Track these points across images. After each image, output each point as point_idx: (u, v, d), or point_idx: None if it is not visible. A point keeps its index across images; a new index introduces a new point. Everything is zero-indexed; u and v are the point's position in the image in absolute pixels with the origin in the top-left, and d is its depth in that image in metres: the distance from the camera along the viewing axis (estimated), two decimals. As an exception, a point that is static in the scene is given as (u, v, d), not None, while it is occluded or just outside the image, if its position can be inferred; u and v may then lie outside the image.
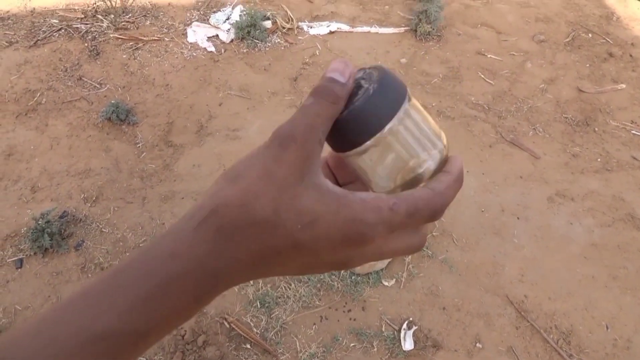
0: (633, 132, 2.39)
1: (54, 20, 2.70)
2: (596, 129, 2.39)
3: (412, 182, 0.34)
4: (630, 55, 2.77)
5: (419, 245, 0.34)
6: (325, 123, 0.32)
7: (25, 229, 1.84)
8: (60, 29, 2.66)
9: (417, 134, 0.33)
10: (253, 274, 0.31)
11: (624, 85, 2.60)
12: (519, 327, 1.73)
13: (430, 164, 0.34)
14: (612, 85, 2.60)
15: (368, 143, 0.33)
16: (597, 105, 2.50)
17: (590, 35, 2.87)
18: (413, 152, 0.34)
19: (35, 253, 1.79)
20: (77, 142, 2.19)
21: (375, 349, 1.64)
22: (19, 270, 1.77)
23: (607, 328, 1.75)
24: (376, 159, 0.33)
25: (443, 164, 0.35)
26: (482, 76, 2.59)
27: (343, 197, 0.30)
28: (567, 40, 2.83)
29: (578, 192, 2.12)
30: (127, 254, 1.83)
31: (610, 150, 2.30)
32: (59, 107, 2.32)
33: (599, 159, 2.26)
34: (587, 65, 2.70)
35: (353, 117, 0.33)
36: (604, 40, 2.84)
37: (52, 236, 1.78)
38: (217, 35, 2.71)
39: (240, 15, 2.77)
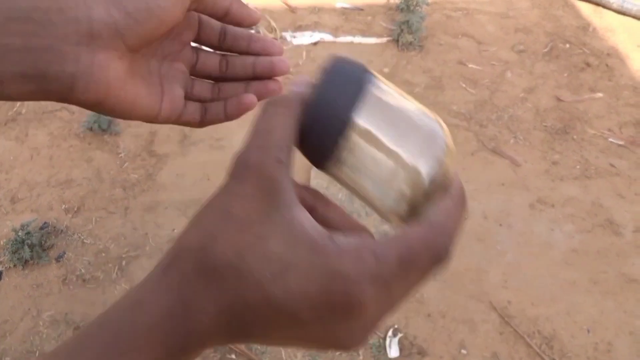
0: (610, 139, 2.45)
1: (35, 30, 2.68)
2: (575, 136, 2.44)
3: (422, 197, 0.27)
4: (607, 65, 2.84)
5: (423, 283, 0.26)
6: (280, 136, 0.27)
7: (4, 240, 1.81)
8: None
9: (396, 124, 0.26)
10: (229, 335, 0.26)
11: (601, 94, 2.67)
12: (503, 333, 1.75)
13: (428, 165, 0.26)
14: (589, 94, 2.66)
15: (347, 144, 0.26)
16: (576, 113, 2.55)
17: (567, 45, 2.94)
18: (399, 149, 0.26)
19: (15, 265, 1.76)
20: (58, 152, 2.16)
21: (361, 357, 1.64)
22: (-2, 282, 1.73)
23: (588, 332, 1.78)
24: (358, 168, 0.26)
25: (447, 169, 0.27)
26: (464, 85, 2.63)
27: (319, 240, 0.25)
28: (546, 50, 2.89)
29: (558, 199, 2.15)
30: (110, 265, 1.81)
31: (588, 158, 2.34)
32: (40, 117, 2.29)
33: (578, 166, 2.30)
34: (565, 74, 2.76)
35: (308, 119, 0.27)
36: (581, 51, 2.91)
37: (32, 248, 1.75)
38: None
39: (223, 25, 2.77)
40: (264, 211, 0.25)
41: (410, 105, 0.27)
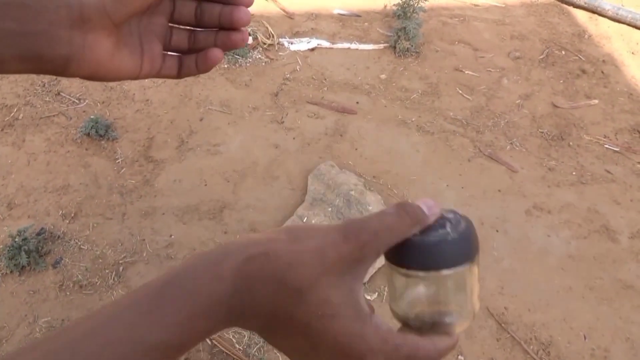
0: (606, 146, 2.46)
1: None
2: (571, 143, 2.45)
3: (425, 323, 0.36)
4: (602, 72, 2.86)
5: None
6: (392, 238, 0.33)
7: (1, 247, 1.80)
8: (38, 44, 2.64)
9: (461, 291, 0.35)
10: (260, 323, 0.32)
11: (596, 101, 2.68)
12: (500, 339, 1.75)
13: (454, 321, 0.36)
14: (585, 101, 2.68)
15: (420, 274, 0.34)
16: (572, 120, 2.57)
17: (563, 52, 2.96)
18: (448, 302, 0.35)
19: (11, 271, 1.75)
20: (55, 157, 2.16)
21: (359, 364, 1.64)
22: (-6, 289, 1.73)
23: (585, 338, 1.78)
24: (413, 287, 0.35)
25: (457, 328, 0.37)
26: (460, 92, 2.64)
27: (364, 314, 0.32)
28: (542, 57, 2.91)
29: (555, 205, 2.16)
30: (107, 271, 1.80)
31: (584, 164, 2.36)
32: (37, 123, 2.29)
33: (574, 173, 2.31)
34: (561, 81, 2.78)
35: (424, 246, 0.34)
36: (577, 57, 2.93)
37: (29, 254, 1.74)
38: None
39: (221, 31, 2.78)
40: (344, 270, 0.32)
41: (476, 288, 0.38)
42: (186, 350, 0.32)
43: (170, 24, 0.45)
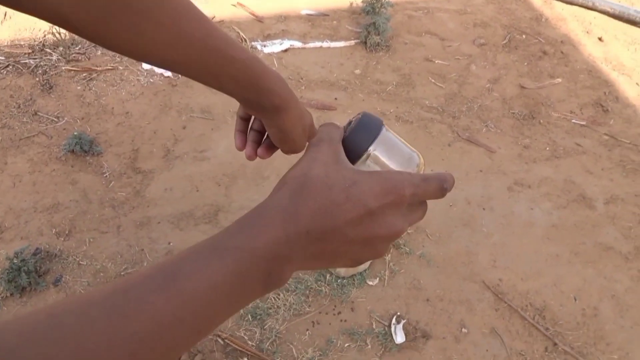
0: (573, 121, 2.60)
1: (0, 57, 2.63)
2: (541, 121, 2.58)
3: None
4: (562, 52, 3.02)
5: (423, 214, 0.44)
6: (339, 134, 0.46)
7: (-2, 270, 1.78)
8: (7, 66, 2.59)
9: (394, 151, 0.47)
10: (313, 237, 0.38)
11: (560, 80, 2.83)
12: (498, 309, 1.84)
13: (419, 162, 0.48)
14: (549, 80, 2.82)
15: (372, 146, 0.46)
16: (539, 99, 2.70)
17: (524, 36, 3.10)
18: (394, 165, 0.47)
19: (12, 294, 1.73)
20: (41, 177, 2.13)
21: (369, 346, 1.70)
22: (-4, 313, 1.70)
23: (575, 300, 1.89)
24: (375, 159, 0.47)
25: (422, 167, 0.49)
26: (433, 81, 2.74)
27: (370, 170, 0.43)
28: (504, 42, 3.04)
29: (533, 180, 2.28)
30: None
31: (556, 139, 2.49)
32: (17, 145, 2.25)
33: (547, 148, 2.44)
34: (525, 63, 2.91)
35: (359, 130, 0.47)
36: (537, 40, 3.08)
37: (28, 274, 1.72)
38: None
39: (193, 39, 2.79)
40: (335, 159, 0.42)
41: (402, 143, 0.48)
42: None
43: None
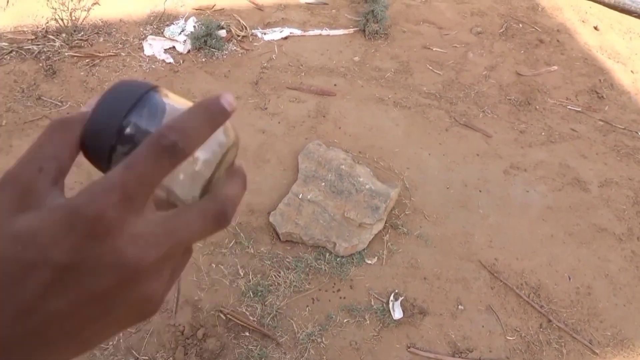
0: (569, 107, 2.64)
1: (3, 43, 2.66)
2: (537, 107, 2.62)
3: (206, 187, 0.29)
4: (558, 41, 3.05)
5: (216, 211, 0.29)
6: (50, 150, 0.30)
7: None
8: (11, 52, 2.62)
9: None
10: None
11: (556, 67, 2.87)
12: (494, 287, 1.89)
13: (204, 156, 0.29)
14: (545, 68, 2.86)
15: (114, 152, 0.28)
16: (535, 86, 2.74)
17: (520, 25, 3.14)
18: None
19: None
20: (45, 160, 2.17)
21: (368, 322, 1.74)
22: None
23: (569, 279, 1.94)
24: None
25: (226, 158, 0.31)
26: (430, 68, 2.77)
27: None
28: (501, 30, 3.08)
29: (529, 163, 2.32)
30: None
31: (551, 125, 2.53)
32: (21, 128, 2.29)
33: (543, 133, 2.48)
34: (522, 51, 2.95)
35: (88, 130, 0.29)
36: (533, 29, 3.12)
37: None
38: (174, 47, 2.75)
39: (194, 27, 2.83)
40: (13, 213, 0.26)
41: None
42: None
43: None
